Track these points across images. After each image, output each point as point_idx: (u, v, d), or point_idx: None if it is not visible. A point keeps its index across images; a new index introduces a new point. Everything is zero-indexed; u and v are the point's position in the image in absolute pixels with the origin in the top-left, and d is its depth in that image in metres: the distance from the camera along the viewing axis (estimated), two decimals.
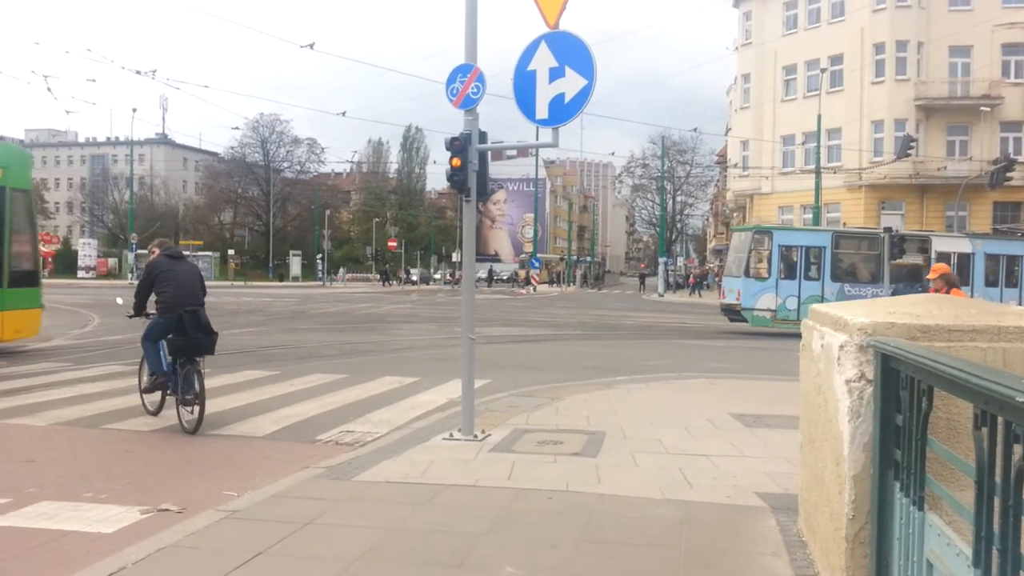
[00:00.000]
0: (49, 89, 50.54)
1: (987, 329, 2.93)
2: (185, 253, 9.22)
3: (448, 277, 69.88)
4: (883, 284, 21.65)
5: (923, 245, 23.25)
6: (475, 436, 6.91)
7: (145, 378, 8.11)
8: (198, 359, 7.60)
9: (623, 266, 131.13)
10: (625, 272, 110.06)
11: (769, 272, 21.83)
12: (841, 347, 3.19)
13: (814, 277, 22.16)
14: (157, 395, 8.07)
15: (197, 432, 7.32)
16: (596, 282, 74.13)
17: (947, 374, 2.11)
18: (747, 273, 21.95)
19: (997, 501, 1.80)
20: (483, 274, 67.49)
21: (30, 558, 4.18)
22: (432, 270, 76.66)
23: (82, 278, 57.30)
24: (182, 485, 5.66)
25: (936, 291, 8.26)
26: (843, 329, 3.26)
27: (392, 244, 73.42)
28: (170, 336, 7.65)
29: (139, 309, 8.12)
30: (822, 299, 20.11)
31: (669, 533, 4.54)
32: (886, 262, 21.92)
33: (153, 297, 7.90)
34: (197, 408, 7.36)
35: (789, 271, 22.03)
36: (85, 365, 11.83)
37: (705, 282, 58.11)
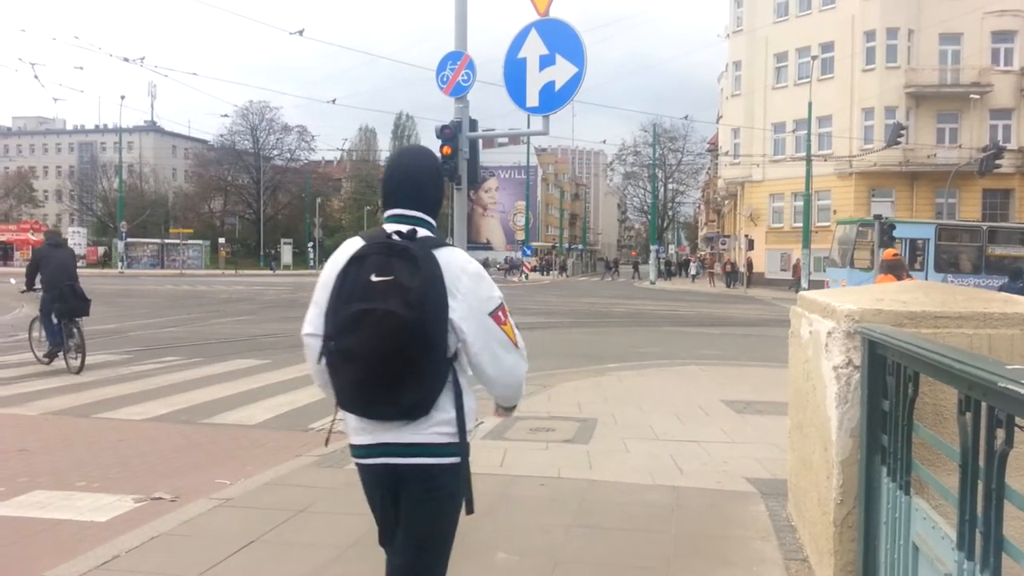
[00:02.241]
0: (36, 76, 50.22)
1: (973, 316, 2.96)
2: (65, 238, 12.37)
3: None
4: (984, 275, 22.04)
5: None
6: None
7: (43, 341, 10.54)
8: (77, 319, 10.30)
9: (615, 253, 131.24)
10: (618, 259, 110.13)
11: (873, 263, 22.10)
12: (829, 334, 3.22)
13: (918, 268, 22.51)
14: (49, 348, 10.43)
15: (81, 372, 9.96)
16: (610, 270, 68.61)
17: (932, 360, 2.13)
18: (852, 264, 22.18)
19: (980, 485, 1.83)
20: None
21: (23, 547, 4.18)
22: None
23: None
24: (175, 473, 5.67)
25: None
26: (831, 316, 3.28)
27: None
28: (56, 305, 10.21)
29: (28, 285, 10.70)
30: None
31: (660, 518, 4.58)
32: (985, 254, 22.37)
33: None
34: (80, 355, 10.13)
35: None
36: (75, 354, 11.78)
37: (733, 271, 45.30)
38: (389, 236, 2.21)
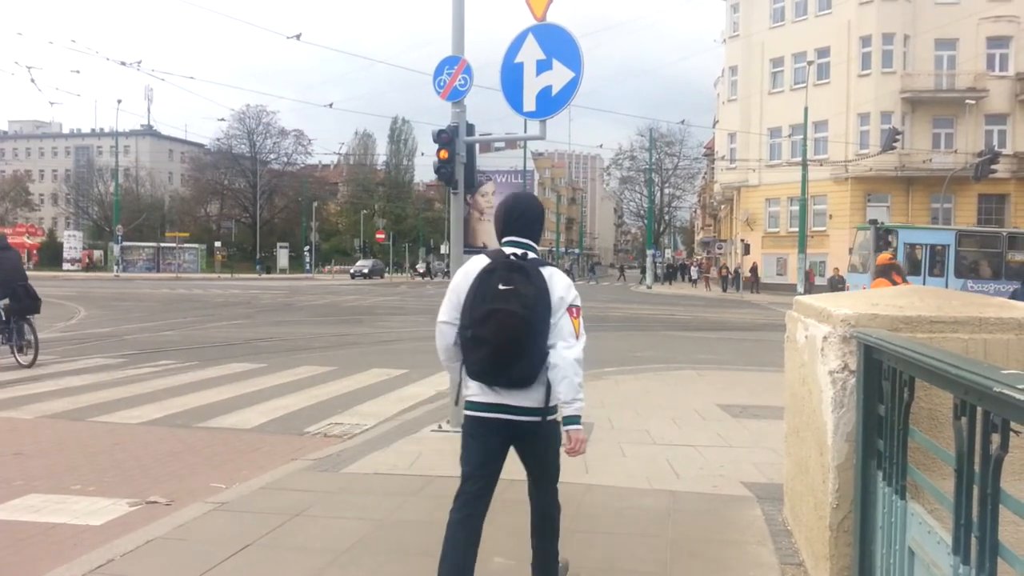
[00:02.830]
0: (33, 80, 50.40)
1: (968, 320, 2.97)
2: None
3: (418, 270, 68.84)
4: (1004, 281, 22.24)
5: None
6: None
7: None
8: (29, 317, 10.99)
9: (612, 258, 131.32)
10: (615, 264, 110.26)
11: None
12: (825, 338, 3.22)
13: (938, 274, 22.69)
14: None
15: (33, 366, 10.60)
16: (594, 274, 70.08)
17: (928, 365, 2.14)
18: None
19: (976, 489, 1.83)
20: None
21: (18, 551, 4.17)
22: (420, 262, 76.31)
23: (67, 270, 56.87)
24: (170, 477, 5.65)
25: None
26: (827, 320, 3.29)
27: (380, 236, 73.16)
28: (6, 302, 10.89)
29: None
30: None
31: (656, 523, 4.57)
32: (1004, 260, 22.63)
33: None
34: (31, 351, 10.80)
35: (914, 268, 22.42)
36: (71, 358, 11.76)
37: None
38: (508, 257, 3.10)
